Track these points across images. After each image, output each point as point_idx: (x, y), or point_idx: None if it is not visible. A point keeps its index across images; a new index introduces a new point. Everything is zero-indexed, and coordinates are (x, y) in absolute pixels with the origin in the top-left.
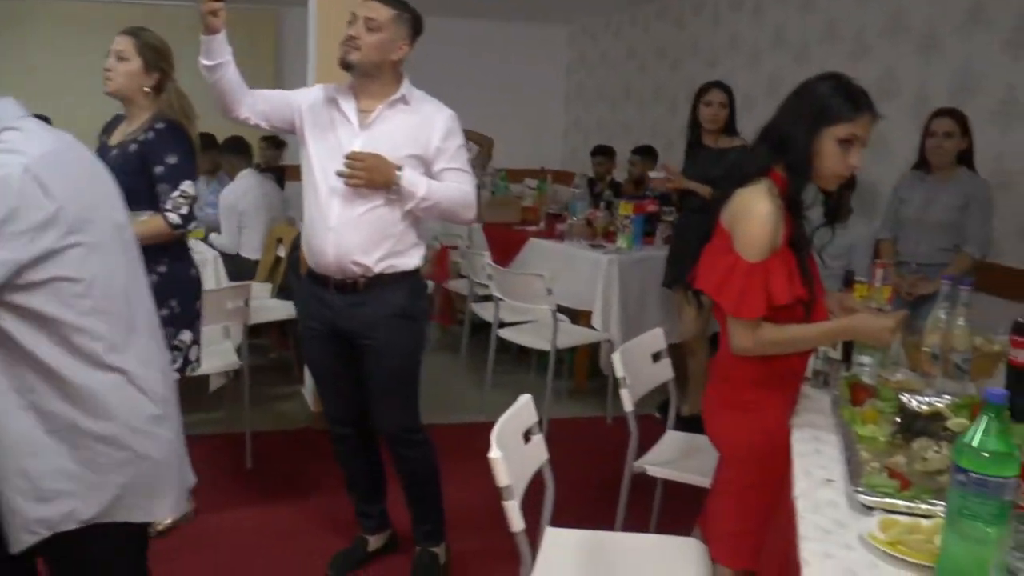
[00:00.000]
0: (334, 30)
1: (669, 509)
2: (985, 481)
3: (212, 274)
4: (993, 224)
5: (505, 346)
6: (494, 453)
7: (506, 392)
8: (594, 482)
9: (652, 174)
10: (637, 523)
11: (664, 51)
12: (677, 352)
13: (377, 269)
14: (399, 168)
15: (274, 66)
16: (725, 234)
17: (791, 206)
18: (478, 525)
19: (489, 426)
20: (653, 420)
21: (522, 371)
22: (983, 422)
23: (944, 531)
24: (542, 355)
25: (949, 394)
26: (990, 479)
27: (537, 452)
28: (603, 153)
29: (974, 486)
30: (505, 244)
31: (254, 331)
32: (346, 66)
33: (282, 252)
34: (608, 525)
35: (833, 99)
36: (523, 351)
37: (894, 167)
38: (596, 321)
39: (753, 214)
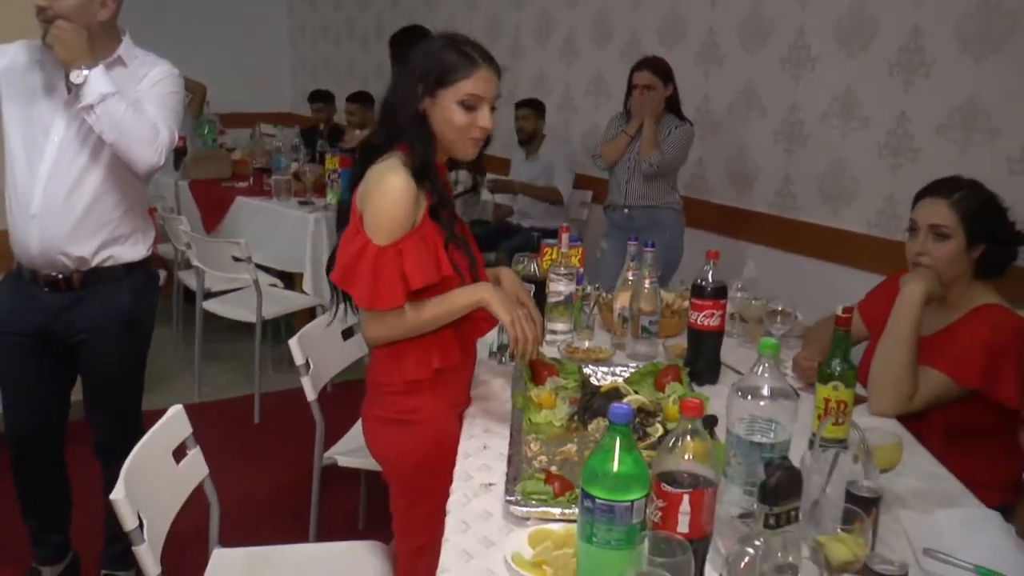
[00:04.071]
0: None
1: (379, 505)
2: (611, 508)
3: None
4: (702, 163)
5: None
6: (116, 494)
7: (223, 366)
8: (306, 467)
9: None
10: (341, 520)
11: None
12: None
13: (94, 262)
14: (93, 58)
15: None
16: (357, 214)
17: (419, 176)
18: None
19: (202, 408)
20: None
21: (241, 339)
22: (609, 444)
23: (579, 551)
24: (265, 323)
25: (640, 359)
26: (616, 505)
27: (194, 469)
28: (321, 99)
29: (601, 513)
30: (213, 204)
31: None
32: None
33: None
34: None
35: (444, 57)
36: None
37: (613, 108)
38: (307, 284)
39: (383, 189)
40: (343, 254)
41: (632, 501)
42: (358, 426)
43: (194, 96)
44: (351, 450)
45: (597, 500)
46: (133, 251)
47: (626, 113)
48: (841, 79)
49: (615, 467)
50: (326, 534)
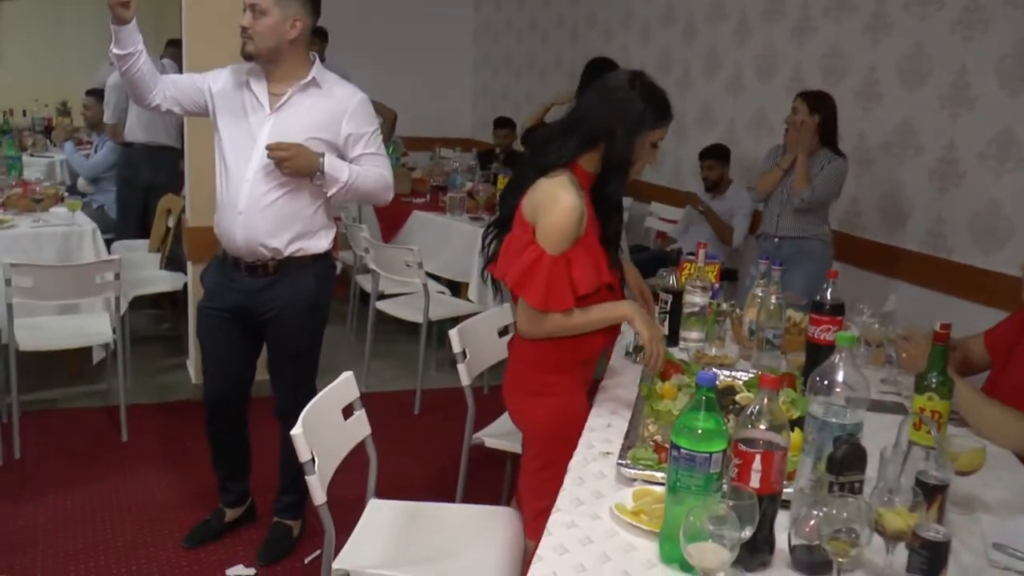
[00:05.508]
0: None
1: None
2: (693, 457)
3: (91, 246)
4: (856, 199)
5: (393, 316)
6: (296, 430)
7: (389, 362)
8: (457, 451)
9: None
10: (485, 496)
11: (563, 21)
12: None
13: (287, 252)
14: (321, 155)
15: None
16: (527, 225)
17: (599, 202)
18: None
19: (367, 396)
20: None
21: (408, 341)
22: (696, 403)
23: (666, 500)
24: (431, 325)
25: (764, 367)
26: (697, 455)
27: (358, 427)
28: (505, 125)
29: (684, 461)
30: (392, 217)
31: (153, 301)
32: (247, 57)
33: (171, 222)
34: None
35: (652, 105)
36: (410, 321)
37: (773, 142)
38: (472, 293)
39: (558, 207)
40: (518, 262)
41: (710, 453)
42: (506, 415)
43: (385, 121)
44: (498, 434)
45: (682, 450)
46: (318, 244)
47: (784, 146)
48: (1000, 119)
49: (699, 422)
50: None
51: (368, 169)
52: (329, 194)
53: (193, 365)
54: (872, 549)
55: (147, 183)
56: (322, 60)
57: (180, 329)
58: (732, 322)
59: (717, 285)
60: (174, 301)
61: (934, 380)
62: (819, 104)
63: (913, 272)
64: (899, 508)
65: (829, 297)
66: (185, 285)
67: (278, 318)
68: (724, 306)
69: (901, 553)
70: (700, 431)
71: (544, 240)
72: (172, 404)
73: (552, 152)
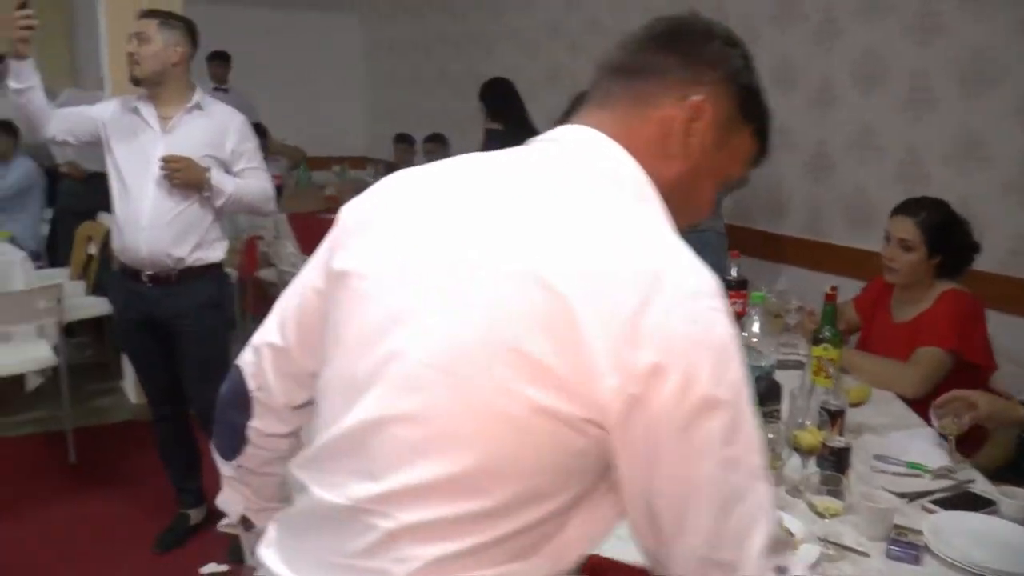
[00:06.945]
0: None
1: None
2: None
3: (21, 274)
4: (743, 195)
5: None
6: None
7: None
8: None
9: None
10: None
11: (445, 38)
12: None
13: (189, 261)
14: (207, 170)
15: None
16: None
17: None
18: None
19: None
20: None
21: None
22: None
23: None
24: None
25: None
26: None
27: None
28: (404, 140)
29: None
30: (310, 232)
31: (69, 330)
32: (135, 81)
33: (93, 250)
34: None
35: None
36: None
37: None
38: None
39: None
40: None
41: None
42: None
43: (290, 159)
44: None
45: None
46: (214, 254)
47: None
48: (860, 116)
49: None
50: None
51: (250, 181)
52: (217, 205)
53: (130, 387)
54: (790, 467)
55: (86, 210)
56: (225, 82)
57: (106, 355)
58: None
59: None
60: (99, 328)
61: (827, 333)
62: None
63: (797, 255)
64: (810, 428)
65: (735, 274)
66: None
67: (185, 319)
68: None
69: (812, 470)
70: None
71: None
72: (114, 425)
73: None
